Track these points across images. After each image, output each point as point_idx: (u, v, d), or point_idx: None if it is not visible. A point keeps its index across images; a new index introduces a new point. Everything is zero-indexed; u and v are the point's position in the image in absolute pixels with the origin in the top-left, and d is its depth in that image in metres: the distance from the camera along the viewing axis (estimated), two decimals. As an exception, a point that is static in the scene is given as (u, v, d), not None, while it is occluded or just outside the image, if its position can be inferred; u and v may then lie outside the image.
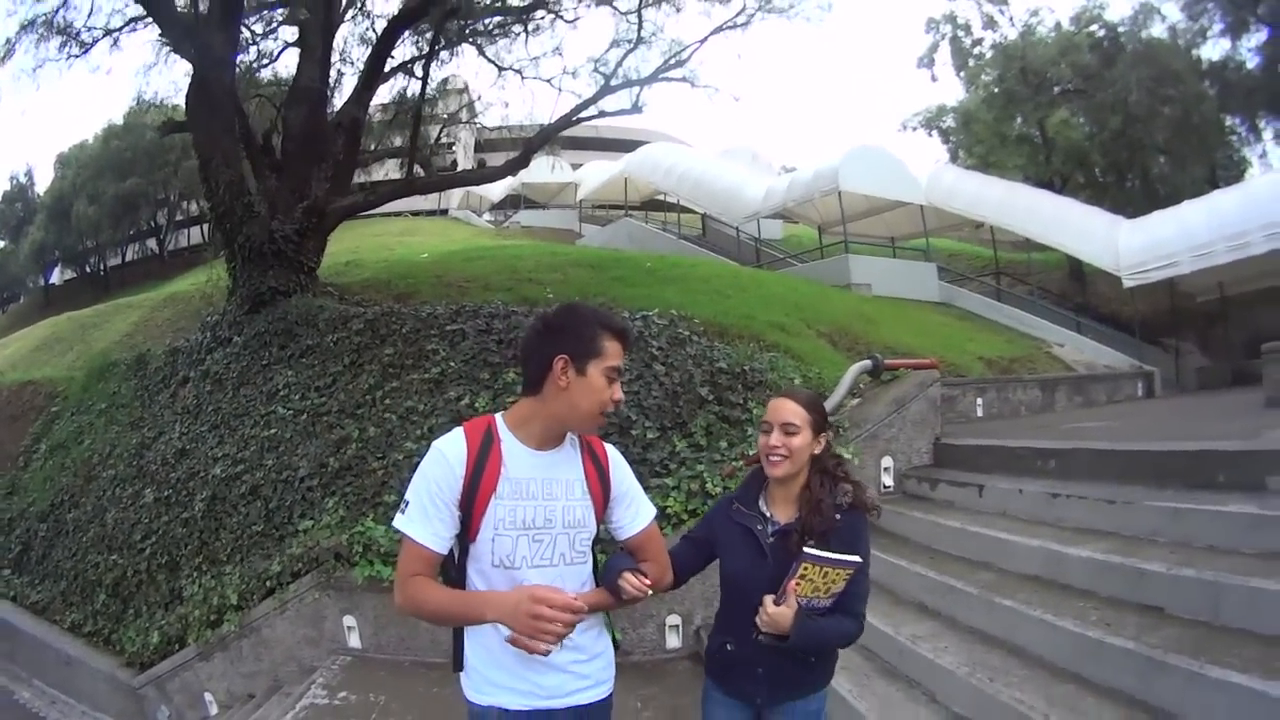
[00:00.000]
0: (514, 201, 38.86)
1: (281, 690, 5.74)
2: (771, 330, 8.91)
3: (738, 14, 13.22)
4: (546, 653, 1.76)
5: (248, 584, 6.17)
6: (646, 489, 5.47)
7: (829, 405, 6.03)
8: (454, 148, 17.09)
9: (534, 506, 1.97)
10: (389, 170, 16.60)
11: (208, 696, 6.30)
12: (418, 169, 13.52)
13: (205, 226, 44.63)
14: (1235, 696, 2.45)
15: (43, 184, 46.02)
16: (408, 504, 1.97)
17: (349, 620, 5.67)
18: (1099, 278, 18.60)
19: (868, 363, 6.36)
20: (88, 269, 45.58)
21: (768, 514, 2.33)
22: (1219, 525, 3.40)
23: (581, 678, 2.03)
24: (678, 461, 5.79)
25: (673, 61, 13.09)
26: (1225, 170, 25.32)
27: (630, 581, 1.99)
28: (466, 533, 1.98)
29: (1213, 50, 25.18)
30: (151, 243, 45.29)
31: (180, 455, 8.15)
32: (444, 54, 13.19)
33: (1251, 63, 24.43)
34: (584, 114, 13.16)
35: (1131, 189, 25.19)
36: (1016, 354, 13.80)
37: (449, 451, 1.96)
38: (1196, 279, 16.41)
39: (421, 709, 4.73)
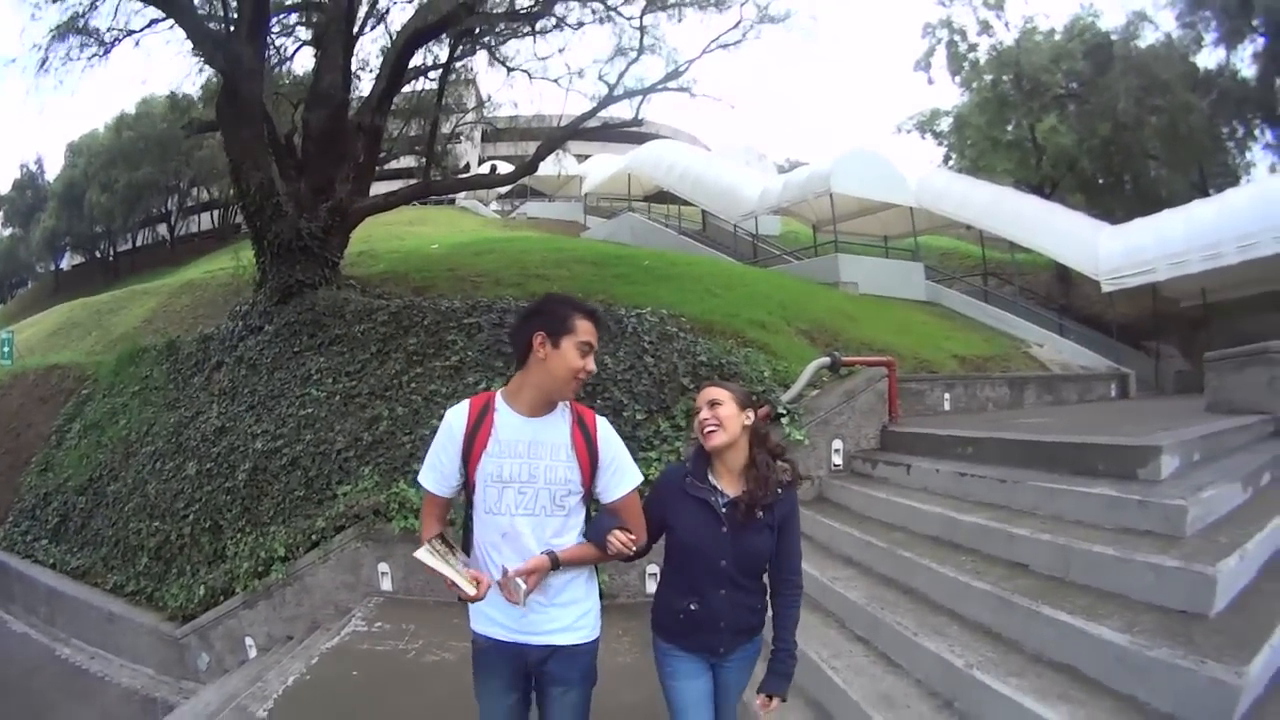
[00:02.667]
0: (520, 192, 38.81)
1: (321, 628, 6.58)
2: (752, 327, 9.69)
3: (733, 27, 13.79)
4: (518, 603, 2.27)
5: (294, 538, 7.03)
6: (635, 460, 6.32)
7: (788, 396, 6.92)
8: (461, 138, 17.63)
9: (519, 464, 2.36)
10: (402, 161, 17.25)
11: (248, 640, 7.10)
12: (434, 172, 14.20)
13: (214, 213, 45.47)
14: (1061, 631, 3.20)
15: (52, 172, 46.79)
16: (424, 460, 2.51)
17: (383, 567, 6.56)
18: (1084, 281, 19.04)
19: (826, 359, 7.33)
20: (97, 254, 46.29)
21: (717, 487, 2.62)
22: (1084, 504, 4.15)
23: (555, 620, 2.43)
24: (661, 439, 6.80)
25: (672, 73, 13.78)
26: (1221, 177, 25.46)
27: (618, 537, 2.35)
28: (468, 484, 2.43)
29: (1209, 59, 25.45)
30: (161, 229, 45.92)
31: (220, 432, 8.96)
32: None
33: (1247, 71, 24.68)
34: (588, 124, 13.89)
35: (1122, 194, 25.60)
36: (992, 352, 14.35)
37: (452, 418, 2.44)
38: (1179, 284, 16.93)
39: (444, 634, 5.58)
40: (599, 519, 2.47)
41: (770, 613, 2.70)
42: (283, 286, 10.19)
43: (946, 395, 9.93)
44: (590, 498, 2.50)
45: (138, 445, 10.35)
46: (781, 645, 2.65)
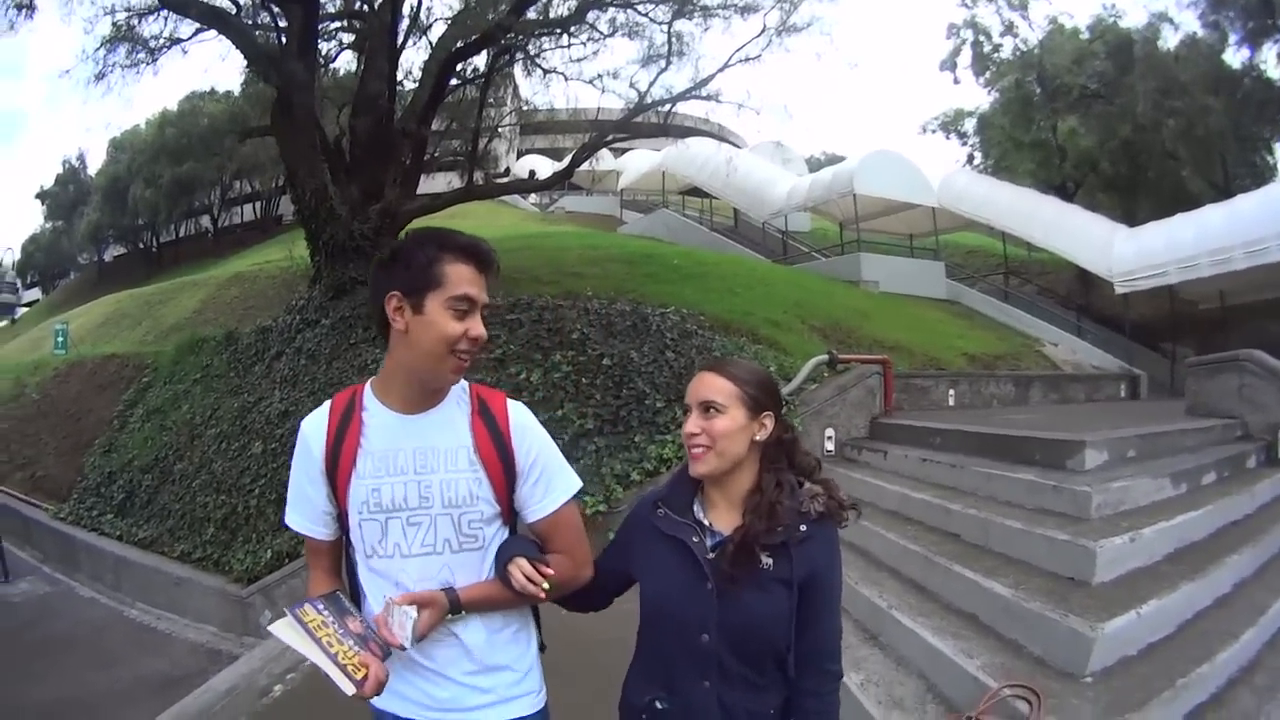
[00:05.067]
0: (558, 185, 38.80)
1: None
2: (766, 325, 10.50)
3: (758, 35, 14.37)
4: (402, 647, 1.58)
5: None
6: (650, 443, 6.83)
7: (787, 389, 7.59)
8: (501, 135, 18.28)
9: (404, 483, 1.68)
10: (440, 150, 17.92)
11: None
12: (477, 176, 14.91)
13: (256, 205, 46.60)
14: (968, 586, 3.95)
15: (93, 167, 48.30)
16: None
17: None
18: (1104, 281, 19.04)
19: (824, 356, 8.15)
20: (140, 246, 47.53)
21: (705, 522, 1.76)
22: (1012, 487, 4.91)
23: (481, 692, 1.72)
24: (678, 423, 7.50)
25: (700, 83, 14.44)
26: (1248, 178, 24.56)
27: (523, 569, 1.62)
28: (341, 518, 1.74)
29: (1233, 58, 24.89)
30: (204, 220, 47.08)
31: (283, 415, 9.84)
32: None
33: (1274, 72, 24.30)
34: (619, 137, 14.64)
35: (1145, 194, 25.39)
36: (1003, 351, 14.85)
37: (307, 429, 1.76)
38: (1196, 286, 17.06)
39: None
40: (503, 544, 1.74)
41: None
42: (337, 284, 11.07)
43: (951, 391, 10.42)
44: (513, 522, 1.81)
45: (202, 428, 11.31)
46: None
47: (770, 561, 1.65)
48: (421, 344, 1.64)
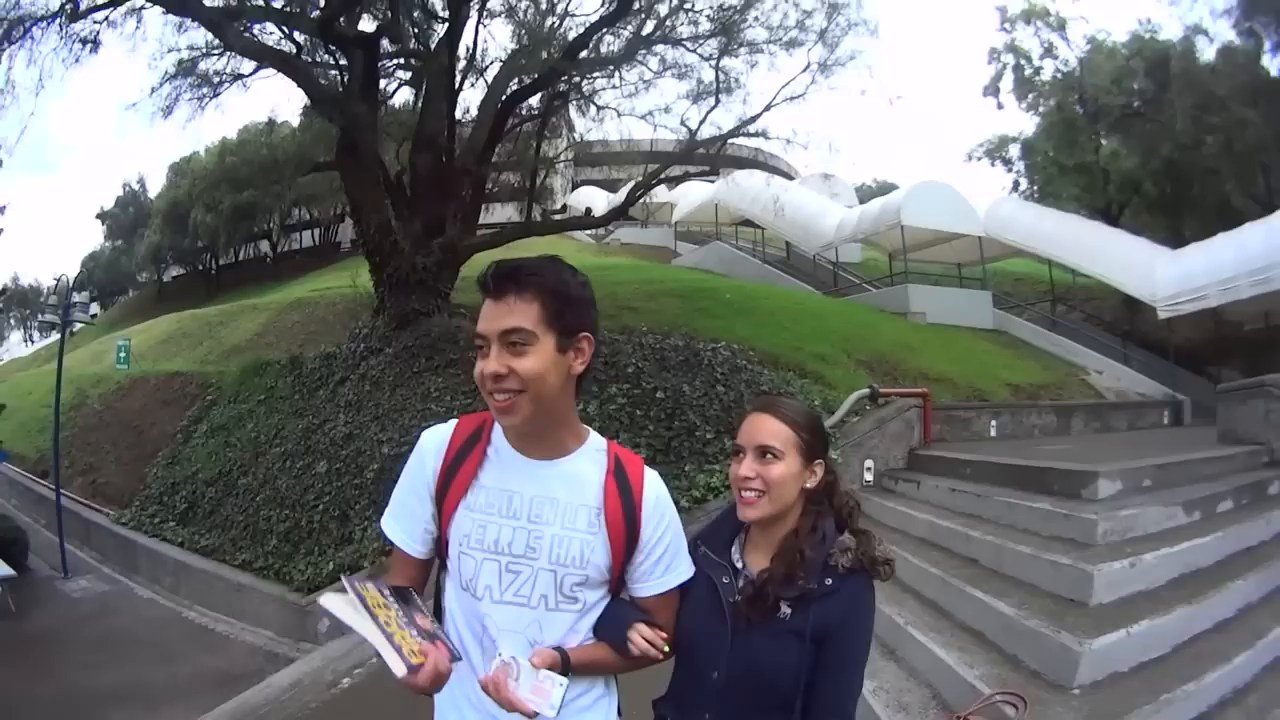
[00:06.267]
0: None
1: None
2: (813, 360, 10.87)
3: (802, 71, 14.56)
4: (548, 712, 1.45)
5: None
6: (699, 472, 7.59)
7: (830, 422, 7.96)
8: (556, 170, 18.87)
9: (513, 528, 1.59)
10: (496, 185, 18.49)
11: (369, 608, 8.51)
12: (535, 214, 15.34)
13: (314, 232, 48.04)
14: (977, 606, 4.33)
15: (153, 190, 50.40)
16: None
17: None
18: (1148, 306, 18.54)
19: (866, 390, 8.50)
20: (199, 268, 49.20)
21: (740, 564, 1.78)
22: (1030, 516, 5.23)
23: None
24: (725, 454, 7.99)
25: (745, 121, 14.76)
26: None
27: (643, 633, 1.63)
28: (440, 542, 1.67)
29: (1270, 64, 24.16)
30: (263, 245, 48.74)
31: (348, 438, 10.50)
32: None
33: None
34: (672, 171, 15.17)
35: (1192, 213, 24.88)
36: (1047, 381, 14.86)
37: (427, 441, 1.70)
38: (1241, 308, 16.76)
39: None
40: (612, 608, 1.69)
41: None
42: (400, 314, 11.73)
43: (993, 422, 10.47)
44: (618, 588, 1.72)
45: (267, 446, 12.05)
46: None
47: (789, 611, 1.64)
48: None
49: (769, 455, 1.69)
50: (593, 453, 1.67)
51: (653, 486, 1.69)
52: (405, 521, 1.69)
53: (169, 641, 10.11)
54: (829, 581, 1.64)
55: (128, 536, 12.83)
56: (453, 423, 1.72)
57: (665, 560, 1.69)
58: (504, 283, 1.52)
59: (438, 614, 1.69)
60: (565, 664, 1.54)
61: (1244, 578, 4.44)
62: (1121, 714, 3.11)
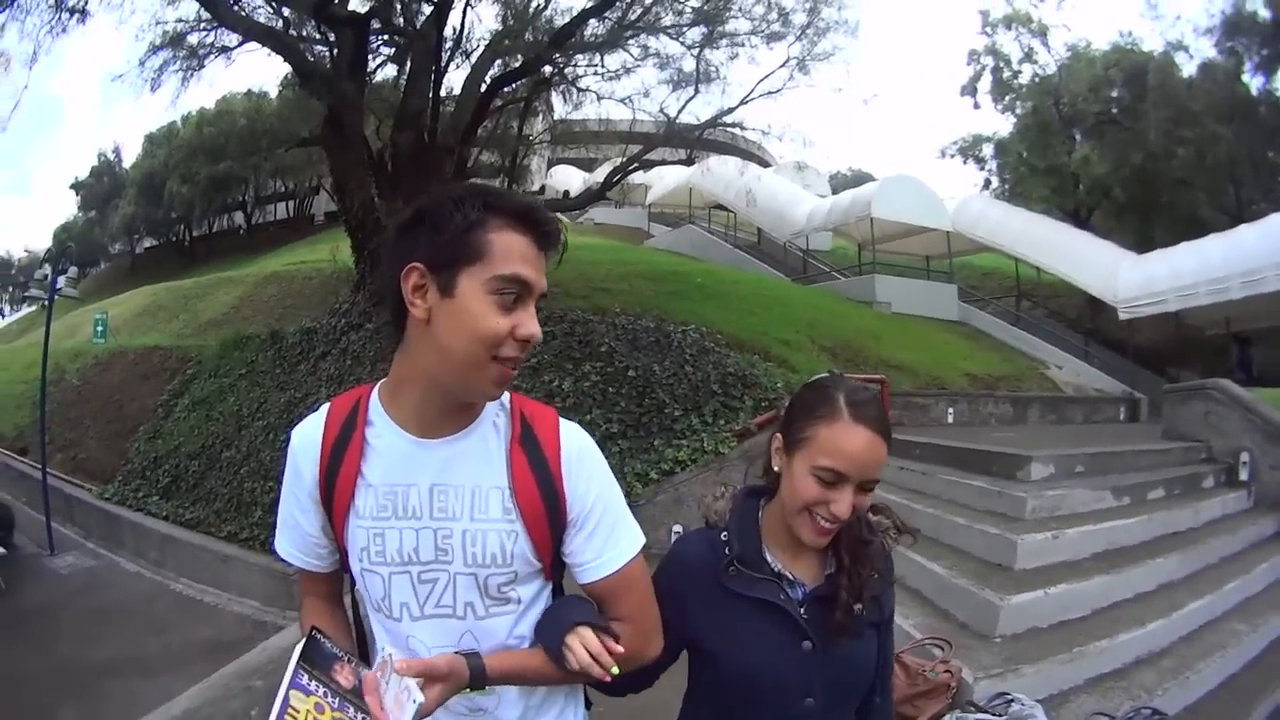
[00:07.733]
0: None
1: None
2: (778, 344, 11.12)
3: (781, 66, 14.90)
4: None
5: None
6: (667, 446, 7.98)
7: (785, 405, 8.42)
8: (535, 150, 19.01)
9: (415, 531, 1.28)
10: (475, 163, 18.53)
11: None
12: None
13: (289, 204, 47.74)
14: (916, 567, 4.75)
15: (128, 160, 49.52)
16: None
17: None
18: (1111, 306, 19.03)
19: (825, 375, 8.80)
20: (173, 239, 48.78)
21: (788, 574, 1.51)
22: (968, 492, 5.76)
23: None
24: (692, 431, 8.39)
25: (722, 112, 15.10)
26: (1265, 202, 23.77)
27: (588, 643, 1.25)
28: (342, 555, 1.39)
29: (1248, 83, 24.96)
30: (238, 216, 48.22)
31: (329, 413, 10.66)
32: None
33: None
34: (649, 156, 15.46)
35: (1159, 220, 25.46)
36: (1006, 372, 15.12)
37: (296, 440, 1.39)
38: (1203, 313, 17.35)
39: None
40: (554, 607, 1.38)
41: None
42: (380, 290, 11.82)
43: (950, 410, 10.82)
44: (559, 574, 1.41)
45: (249, 419, 12.23)
46: None
47: (859, 605, 1.46)
48: (450, 340, 1.20)
49: (873, 486, 1.47)
50: (494, 414, 1.34)
51: (570, 442, 1.35)
52: (294, 536, 1.42)
53: (159, 613, 10.30)
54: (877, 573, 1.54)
55: (112, 511, 12.94)
56: (324, 409, 1.39)
57: (603, 532, 1.35)
58: (556, 241, 1.28)
59: (361, 637, 1.46)
60: (480, 676, 1.25)
61: (1166, 556, 4.91)
62: (1035, 659, 3.56)
